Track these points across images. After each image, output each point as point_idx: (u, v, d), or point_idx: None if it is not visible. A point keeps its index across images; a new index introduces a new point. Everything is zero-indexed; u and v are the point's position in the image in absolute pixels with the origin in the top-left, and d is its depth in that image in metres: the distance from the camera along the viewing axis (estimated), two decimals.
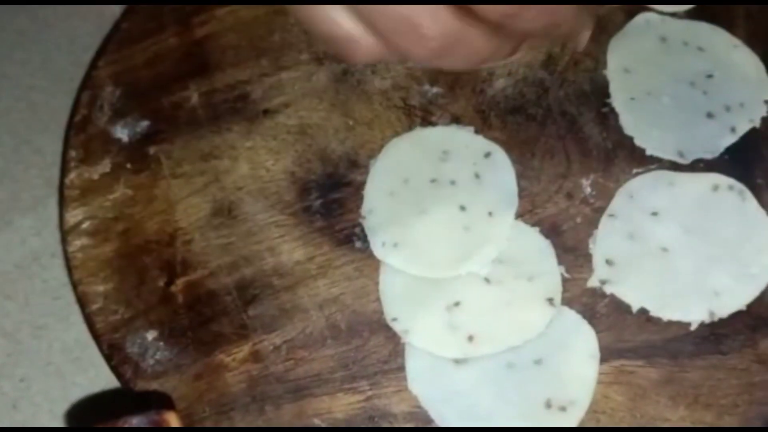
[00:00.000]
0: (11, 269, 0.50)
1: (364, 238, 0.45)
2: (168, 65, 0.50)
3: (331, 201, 0.46)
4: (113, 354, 0.44)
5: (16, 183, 0.51)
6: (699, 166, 0.46)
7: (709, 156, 0.46)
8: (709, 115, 0.47)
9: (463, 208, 0.45)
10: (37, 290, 0.50)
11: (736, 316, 0.43)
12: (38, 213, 0.50)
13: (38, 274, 0.51)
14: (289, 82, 0.49)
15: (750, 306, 0.43)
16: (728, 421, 0.41)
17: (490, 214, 0.45)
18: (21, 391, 0.47)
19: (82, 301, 0.45)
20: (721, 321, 0.43)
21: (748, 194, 0.45)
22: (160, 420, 0.32)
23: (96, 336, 0.45)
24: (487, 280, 0.43)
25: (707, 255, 0.43)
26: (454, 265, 0.43)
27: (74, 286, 0.46)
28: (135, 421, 0.30)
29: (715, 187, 0.45)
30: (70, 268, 0.46)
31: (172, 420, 0.32)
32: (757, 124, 0.47)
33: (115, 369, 0.44)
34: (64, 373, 0.48)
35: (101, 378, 0.46)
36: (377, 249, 0.44)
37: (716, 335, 0.42)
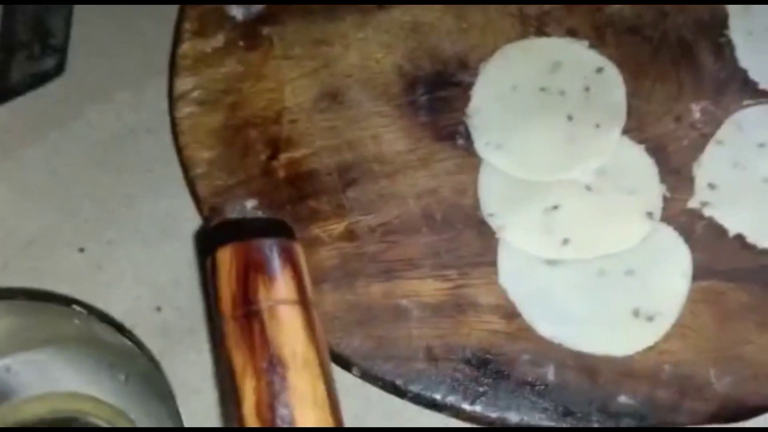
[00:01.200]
0: (106, 139, 0.51)
1: (467, 137, 0.46)
2: None
3: (437, 98, 0.47)
4: (213, 217, 0.45)
5: (117, 59, 0.52)
6: None
7: None
8: None
9: (570, 118, 0.45)
10: (130, 162, 0.51)
11: None
12: (136, 89, 0.51)
13: (132, 147, 0.52)
14: None
15: None
16: None
17: (597, 126, 0.45)
18: (107, 254, 0.49)
19: (186, 165, 0.46)
20: None
21: None
22: (289, 246, 0.33)
23: (197, 199, 0.46)
24: (588, 188, 0.44)
25: None
26: (556, 171, 0.44)
27: (179, 150, 0.47)
28: (267, 242, 0.31)
29: None
30: (176, 134, 0.47)
31: (298, 248, 0.34)
32: None
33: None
34: (150, 242, 0.49)
35: (186, 250, 0.47)
36: (480, 147, 0.45)
37: None
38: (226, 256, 0.33)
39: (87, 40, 0.52)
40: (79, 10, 0.51)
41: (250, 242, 0.32)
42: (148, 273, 0.49)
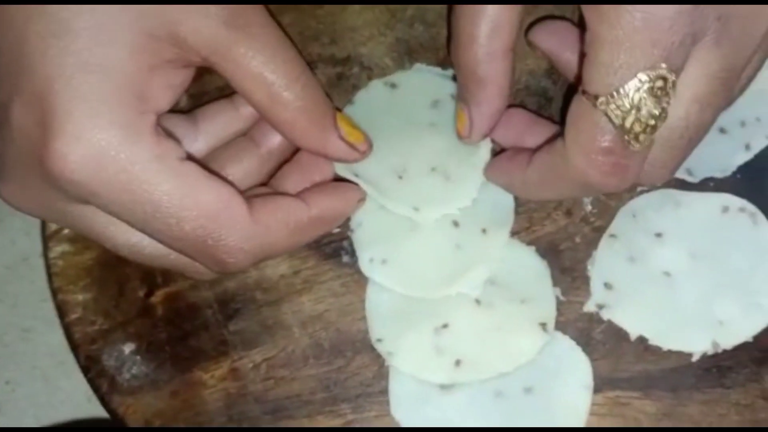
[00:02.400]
0: (0, 270, 0.50)
1: (352, 253, 0.43)
2: None
3: None
4: (90, 367, 0.43)
5: None
6: (708, 185, 0.43)
7: (719, 174, 0.43)
8: (722, 131, 0.44)
9: (456, 224, 0.43)
10: (25, 292, 0.49)
11: (742, 348, 0.40)
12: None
13: (27, 276, 0.50)
14: None
15: (757, 338, 0.40)
16: None
17: (483, 231, 0.42)
18: (6, 395, 0.47)
19: (61, 310, 0.44)
20: (725, 353, 0.40)
21: (761, 217, 0.42)
22: None
23: (74, 347, 0.43)
24: (477, 301, 0.41)
25: (713, 281, 0.41)
26: (444, 286, 0.41)
27: (54, 294, 0.45)
28: None
29: (725, 209, 0.42)
30: (50, 276, 0.45)
31: None
32: None
33: (91, 382, 0.43)
34: (50, 377, 0.48)
35: (83, 383, 0.44)
36: (365, 265, 0.43)
37: (719, 368, 0.40)
38: None
39: None
40: None
41: None
42: (48, 413, 0.47)
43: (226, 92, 0.47)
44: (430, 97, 0.45)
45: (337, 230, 0.44)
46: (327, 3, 0.47)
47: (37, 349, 0.50)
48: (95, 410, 0.46)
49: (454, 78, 0.45)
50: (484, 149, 0.44)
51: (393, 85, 0.46)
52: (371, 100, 0.46)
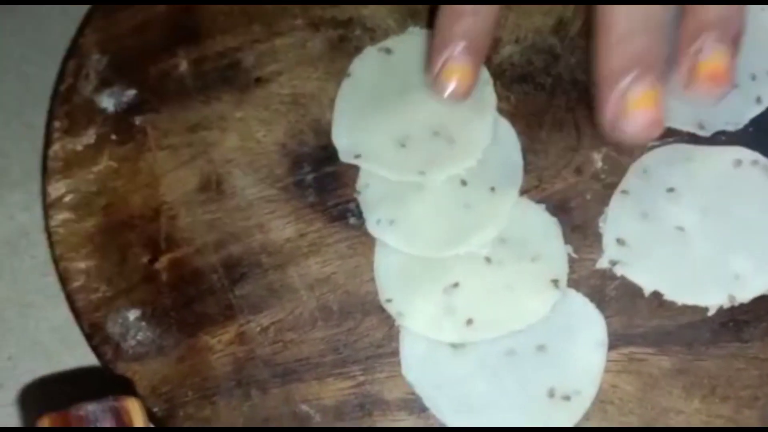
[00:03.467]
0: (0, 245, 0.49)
1: (359, 215, 0.43)
2: (156, 32, 0.47)
3: (324, 175, 0.44)
4: (94, 334, 0.42)
5: (5, 157, 0.49)
6: (720, 139, 0.42)
7: (731, 128, 0.42)
8: (733, 84, 0.43)
9: (464, 183, 0.42)
10: (25, 267, 0.48)
11: (759, 301, 0.39)
12: (28, 187, 0.48)
13: (27, 250, 0.49)
14: (282, 49, 0.46)
15: None
16: (747, 415, 0.38)
17: (492, 189, 0.42)
18: (7, 371, 0.46)
19: (63, 278, 0.43)
20: (742, 306, 0.39)
21: None
22: (119, 407, 0.29)
23: (77, 315, 0.43)
24: (487, 260, 0.40)
25: (727, 235, 0.40)
26: (453, 245, 0.41)
27: (55, 262, 0.44)
28: (90, 408, 0.28)
29: (738, 163, 0.42)
30: (51, 244, 0.44)
31: (133, 407, 0.30)
32: None
33: (95, 349, 0.42)
34: (52, 352, 0.47)
35: (90, 357, 0.44)
36: (372, 226, 0.42)
37: (736, 322, 0.39)
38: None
39: None
40: None
41: (69, 411, 0.28)
42: (52, 389, 0.47)
43: (226, 57, 0.46)
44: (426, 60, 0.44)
45: (342, 192, 0.43)
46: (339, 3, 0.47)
47: (39, 324, 0.49)
48: (101, 386, 0.45)
49: None
50: (489, 111, 0.43)
51: (388, 51, 0.45)
52: (367, 69, 0.45)
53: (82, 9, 0.50)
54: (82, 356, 0.44)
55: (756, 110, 0.43)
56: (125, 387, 0.31)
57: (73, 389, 0.30)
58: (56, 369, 0.47)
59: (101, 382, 0.39)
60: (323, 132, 0.44)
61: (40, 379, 0.43)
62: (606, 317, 0.40)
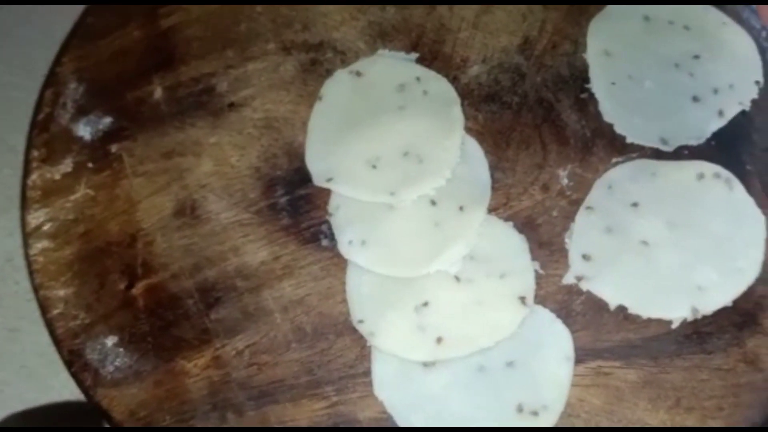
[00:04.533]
0: None
1: (331, 236, 0.43)
2: (132, 59, 0.48)
3: (297, 197, 0.44)
4: (73, 361, 0.43)
5: None
6: (683, 153, 0.43)
7: (694, 142, 0.43)
8: (695, 99, 0.44)
9: (433, 202, 0.43)
10: (10, 292, 0.49)
11: (722, 312, 0.40)
12: (11, 213, 0.49)
13: (11, 276, 0.50)
14: (255, 74, 0.47)
15: (736, 302, 0.40)
16: (712, 425, 0.39)
17: (461, 208, 0.42)
18: None
19: (43, 306, 0.44)
20: (705, 318, 0.40)
21: (736, 182, 0.42)
22: None
23: (56, 342, 0.43)
24: (457, 278, 0.41)
25: (691, 248, 0.41)
26: (423, 264, 0.41)
27: (35, 290, 0.45)
28: None
29: (701, 176, 0.42)
30: (31, 272, 0.45)
31: None
32: (746, 106, 0.44)
33: (75, 376, 0.43)
34: (38, 376, 0.47)
35: (72, 381, 0.44)
36: (344, 247, 0.43)
37: (700, 334, 0.40)
38: None
39: None
40: None
41: None
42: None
43: (200, 83, 0.47)
44: (396, 81, 0.45)
45: (315, 214, 0.44)
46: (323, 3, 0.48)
47: (25, 348, 0.49)
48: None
49: (418, 61, 0.46)
50: (456, 131, 0.44)
51: (358, 73, 0.46)
52: (338, 92, 0.46)
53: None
54: (68, 380, 0.44)
55: (718, 124, 0.43)
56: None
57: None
58: (43, 392, 0.48)
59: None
60: (296, 155, 0.45)
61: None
62: (573, 332, 0.40)
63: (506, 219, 0.43)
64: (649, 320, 0.40)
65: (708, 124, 0.43)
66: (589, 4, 0.47)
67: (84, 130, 0.47)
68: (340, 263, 0.43)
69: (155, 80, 0.47)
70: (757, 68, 0.45)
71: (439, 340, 0.40)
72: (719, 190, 0.42)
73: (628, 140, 0.44)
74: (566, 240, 0.42)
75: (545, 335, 0.40)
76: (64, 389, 0.49)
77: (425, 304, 0.41)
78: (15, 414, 0.44)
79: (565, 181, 0.43)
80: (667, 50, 0.45)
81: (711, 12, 0.46)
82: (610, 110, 0.44)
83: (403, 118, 0.44)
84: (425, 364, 0.40)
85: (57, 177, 0.46)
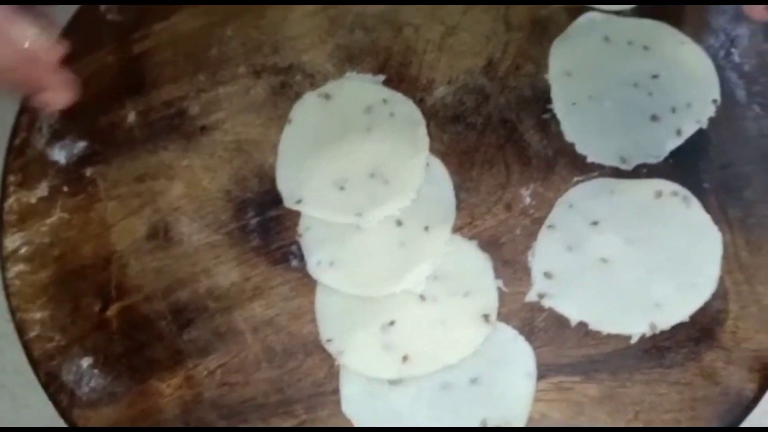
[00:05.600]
0: None
1: (300, 257, 0.44)
2: (105, 83, 0.49)
3: (268, 219, 0.45)
4: (50, 382, 0.44)
5: None
6: (642, 172, 0.44)
7: (653, 161, 0.44)
8: (654, 118, 0.45)
9: (399, 222, 0.44)
10: None
11: (679, 328, 0.41)
12: None
13: None
14: (226, 97, 0.48)
15: (693, 317, 0.41)
16: None
17: (426, 228, 0.43)
18: None
19: (19, 329, 0.45)
20: (663, 333, 0.41)
21: (693, 200, 0.43)
22: None
23: (33, 364, 0.44)
24: (422, 297, 0.42)
25: (649, 265, 0.42)
26: (389, 284, 0.42)
27: (12, 313, 0.45)
28: None
29: (658, 194, 0.43)
30: (8, 295, 0.46)
31: None
32: (704, 125, 0.45)
33: (52, 397, 0.43)
34: (17, 395, 0.48)
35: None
36: (312, 268, 0.44)
37: (658, 348, 0.41)
38: None
39: None
40: None
41: None
42: None
43: (173, 107, 0.48)
44: (364, 104, 0.46)
45: (285, 235, 0.45)
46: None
47: (4, 367, 0.50)
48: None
49: (385, 83, 0.47)
50: (422, 151, 0.45)
51: (327, 96, 0.47)
52: (307, 115, 0.47)
53: None
54: (47, 400, 0.45)
55: (676, 142, 0.45)
56: None
57: None
58: (22, 411, 0.48)
59: None
60: (267, 177, 0.46)
61: None
62: (535, 348, 0.41)
63: (470, 238, 0.44)
64: (609, 336, 0.41)
65: (666, 142, 0.45)
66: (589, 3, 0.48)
67: (59, 155, 0.48)
68: (309, 284, 0.44)
69: (128, 104, 0.48)
70: (715, 87, 0.46)
71: (404, 358, 0.41)
72: (677, 207, 0.43)
73: (589, 159, 0.45)
74: (529, 258, 0.43)
75: (508, 352, 0.41)
76: (44, 408, 0.50)
77: (391, 323, 0.42)
78: None
79: (527, 200, 0.44)
80: (626, 70, 0.46)
81: (670, 32, 0.47)
82: (571, 130, 0.45)
83: (370, 139, 0.45)
84: (392, 382, 0.41)
85: (33, 201, 0.47)
